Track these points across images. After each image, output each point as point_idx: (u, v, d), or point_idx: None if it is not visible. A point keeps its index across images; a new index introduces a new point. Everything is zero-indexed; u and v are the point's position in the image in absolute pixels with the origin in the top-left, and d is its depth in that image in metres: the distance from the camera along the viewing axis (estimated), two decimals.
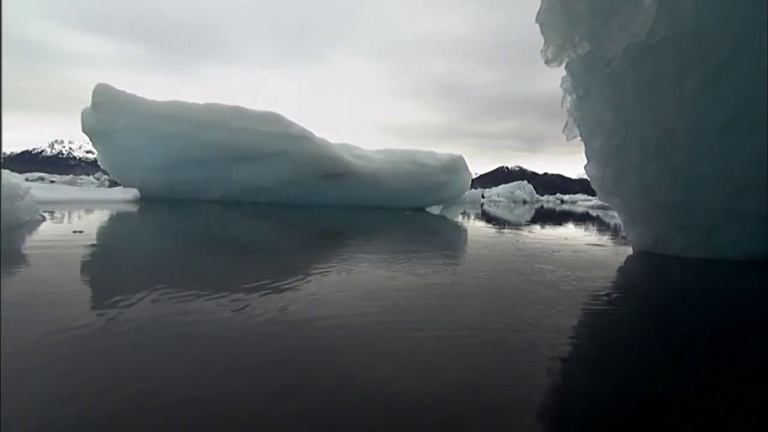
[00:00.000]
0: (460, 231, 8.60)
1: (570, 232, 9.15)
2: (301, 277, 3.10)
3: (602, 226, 11.83)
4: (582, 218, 15.34)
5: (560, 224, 11.58)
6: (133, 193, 12.05)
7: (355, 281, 3.09)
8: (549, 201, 59.43)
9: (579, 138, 5.31)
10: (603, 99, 4.73)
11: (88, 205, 9.63)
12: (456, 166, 14.45)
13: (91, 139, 12.53)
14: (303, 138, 12.76)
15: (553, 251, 5.14)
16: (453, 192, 14.95)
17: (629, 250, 5.63)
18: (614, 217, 19.48)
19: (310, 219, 9.78)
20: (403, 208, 14.63)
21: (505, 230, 8.66)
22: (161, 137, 12.08)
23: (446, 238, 7.35)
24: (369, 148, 14.59)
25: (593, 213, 23.40)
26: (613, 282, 3.69)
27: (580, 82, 5.02)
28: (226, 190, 13.21)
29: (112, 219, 7.45)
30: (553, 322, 2.26)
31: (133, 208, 9.79)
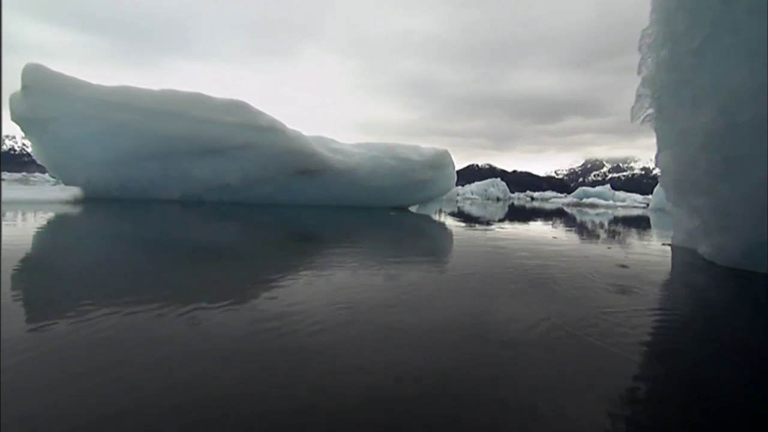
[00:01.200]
0: (457, 234, 7.53)
1: (600, 239, 8.21)
2: (271, 288, 2.79)
3: (616, 227, 11.05)
4: (573, 217, 14.61)
5: (559, 224, 10.74)
6: (72, 192, 10.37)
7: (335, 296, 2.64)
8: (519, 198, 60.56)
9: (644, 120, 4.28)
10: (741, 45, 3.35)
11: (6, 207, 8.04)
12: (441, 161, 13.39)
13: (22, 129, 10.72)
14: (273, 130, 11.40)
15: (612, 273, 4.03)
16: (438, 190, 13.90)
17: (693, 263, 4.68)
18: (587, 214, 19.78)
19: (281, 220, 8.61)
20: (384, 207, 13.47)
21: (511, 233, 7.65)
22: (109, 128, 10.44)
23: (446, 245, 6.25)
24: (347, 142, 13.35)
25: (568, 210, 23.56)
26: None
27: (703, 21, 3.64)
28: (186, 188, 11.69)
29: (41, 225, 5.97)
30: None
31: (73, 210, 8.23)
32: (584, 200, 41.19)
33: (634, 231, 9.94)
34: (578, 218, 14.17)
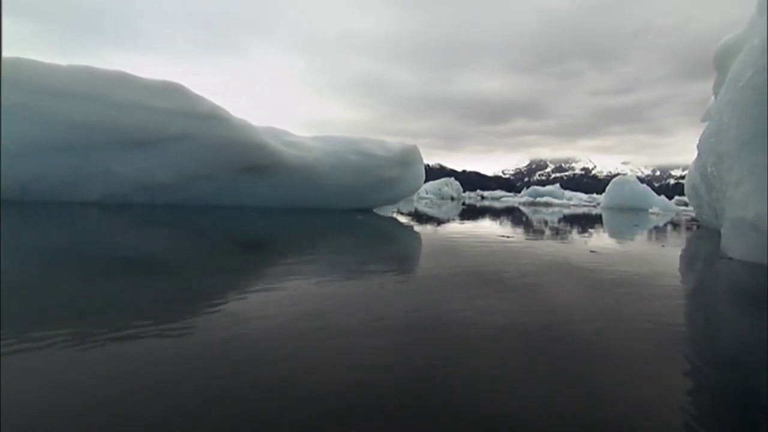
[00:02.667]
0: (439, 241, 6.25)
1: (598, 239, 7.20)
2: (208, 310, 2.31)
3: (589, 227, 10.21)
4: (547, 218, 13.84)
5: (542, 225, 9.77)
6: None
7: (286, 319, 2.18)
8: (471, 197, 60.95)
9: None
10: None
11: None
12: (410, 158, 12.11)
13: None
14: (215, 118, 9.64)
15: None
16: (406, 189, 12.60)
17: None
18: (540, 212, 19.54)
19: (225, 226, 7.13)
20: (346, 209, 12.01)
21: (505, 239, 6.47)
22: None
23: (424, 253, 5.00)
24: (303, 134, 11.75)
25: (525, 209, 23.46)
26: None
27: None
28: (107, 188, 9.64)
29: None
30: None
31: None
32: (538, 199, 41.72)
33: (635, 230, 9.14)
34: (551, 218, 13.42)
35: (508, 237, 6.74)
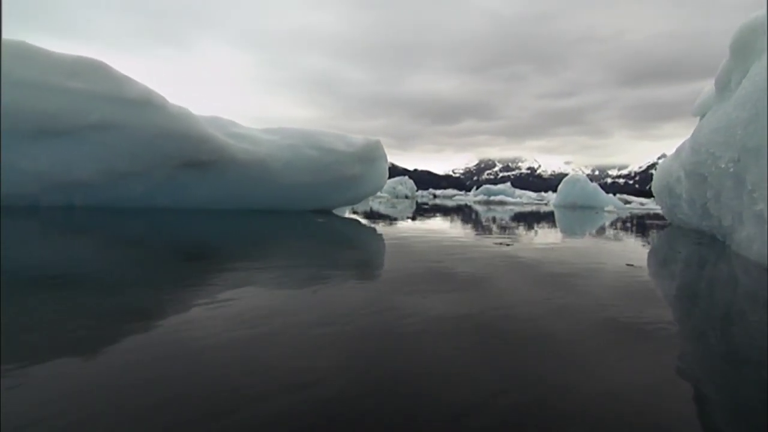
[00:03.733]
0: (406, 241, 5.29)
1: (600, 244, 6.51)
2: (147, 326, 2.00)
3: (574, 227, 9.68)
4: (521, 218, 13.28)
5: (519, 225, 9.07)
6: None
7: (233, 341, 1.85)
8: (423, 196, 61.45)
9: None
10: None
11: None
12: (373, 153, 11.02)
13: None
14: (146, 104, 8.13)
15: None
16: (369, 188, 11.46)
17: None
18: (494, 210, 19.50)
19: (163, 232, 6.17)
20: (303, 210, 10.81)
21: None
22: None
23: (391, 255, 4.26)
24: (254, 126, 10.40)
25: (480, 207, 23.43)
26: None
27: None
28: (12, 187, 7.89)
29: None
30: None
31: None
32: (493, 198, 42.20)
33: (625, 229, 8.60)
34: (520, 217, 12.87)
35: (507, 244, 5.84)
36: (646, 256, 5.56)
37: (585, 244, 6.76)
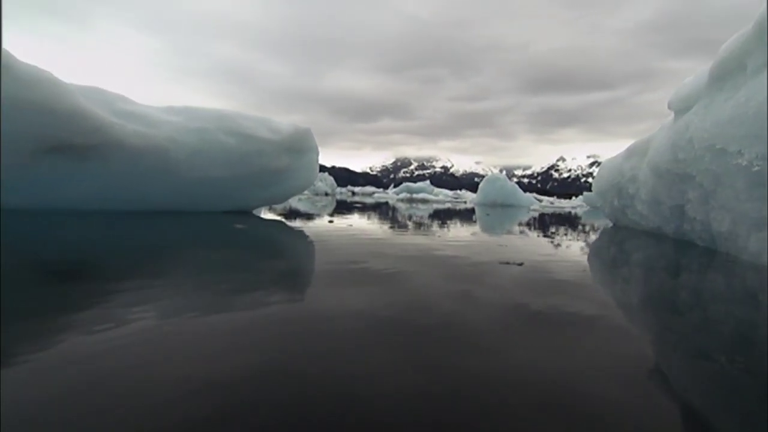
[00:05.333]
0: (342, 245, 4.02)
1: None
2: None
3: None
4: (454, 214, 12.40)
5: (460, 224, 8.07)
6: None
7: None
8: (342, 193, 60.76)
9: None
10: None
11: None
12: (303, 143, 9.31)
13: None
14: None
15: None
16: (297, 184, 9.70)
17: None
18: (418, 208, 19.24)
19: (21, 241, 4.47)
20: (216, 212, 8.88)
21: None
22: None
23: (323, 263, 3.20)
24: (153, 103, 8.23)
25: (402, 205, 23.28)
26: None
27: None
28: None
29: None
30: None
31: None
32: (415, 195, 42.20)
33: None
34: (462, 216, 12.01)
35: (507, 248, 4.72)
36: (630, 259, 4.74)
37: (553, 244, 5.89)
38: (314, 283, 3.20)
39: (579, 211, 24.68)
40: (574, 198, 52.00)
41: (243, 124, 8.32)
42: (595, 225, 11.92)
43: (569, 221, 13.70)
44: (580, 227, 10.96)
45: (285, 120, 9.99)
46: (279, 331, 2.02)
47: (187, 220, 7.17)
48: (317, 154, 9.92)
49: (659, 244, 6.63)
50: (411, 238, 6.35)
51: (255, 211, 9.89)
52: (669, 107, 6.71)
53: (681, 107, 6.25)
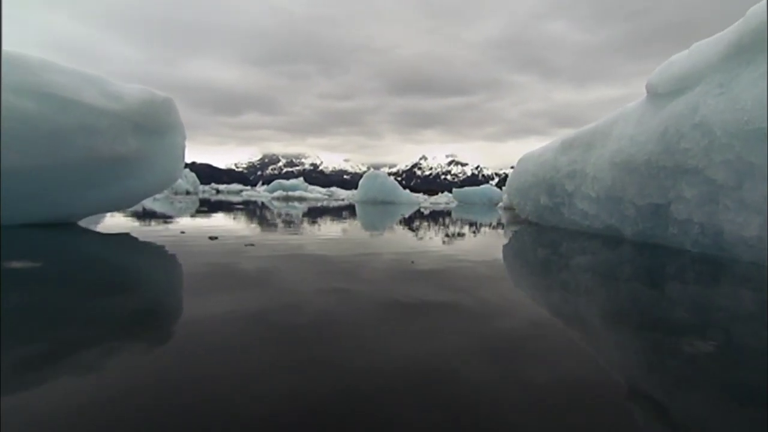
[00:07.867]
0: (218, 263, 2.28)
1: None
2: None
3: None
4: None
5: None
6: None
7: None
8: (205, 191, 56.49)
9: None
10: None
11: None
12: (160, 119, 6.20)
13: None
14: None
15: None
16: (152, 180, 6.41)
17: None
18: (294, 207, 18.23)
19: None
20: (13, 225, 5.52)
21: None
22: None
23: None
24: None
25: (276, 203, 22.01)
26: None
27: None
28: None
29: None
30: None
31: None
32: (291, 193, 39.68)
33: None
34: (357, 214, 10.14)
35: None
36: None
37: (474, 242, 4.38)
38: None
39: (451, 207, 26.29)
40: (439, 194, 54.28)
41: (57, 81, 5.06)
42: (493, 222, 11.26)
43: (447, 219, 12.79)
44: (479, 225, 9.99)
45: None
46: None
47: None
48: (183, 137, 6.97)
49: (617, 248, 5.63)
50: (338, 246, 5.19)
51: (84, 222, 6.61)
52: (650, 89, 5.71)
53: (673, 88, 5.23)
